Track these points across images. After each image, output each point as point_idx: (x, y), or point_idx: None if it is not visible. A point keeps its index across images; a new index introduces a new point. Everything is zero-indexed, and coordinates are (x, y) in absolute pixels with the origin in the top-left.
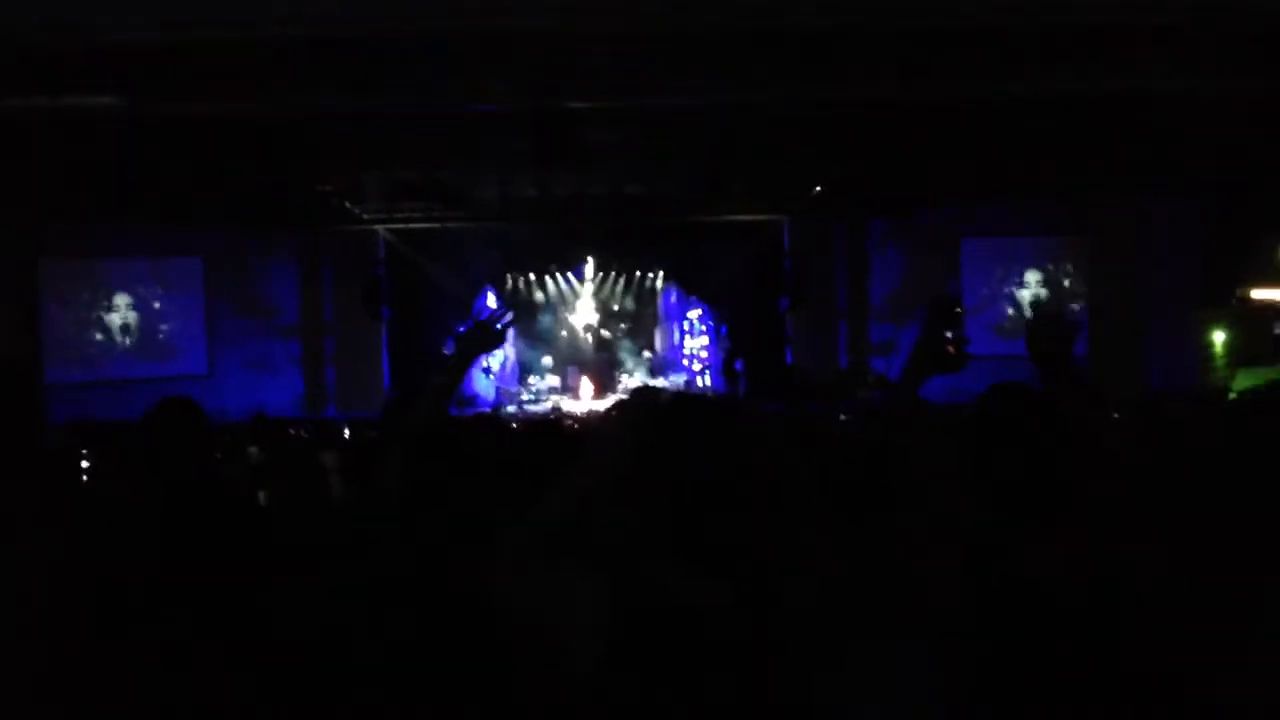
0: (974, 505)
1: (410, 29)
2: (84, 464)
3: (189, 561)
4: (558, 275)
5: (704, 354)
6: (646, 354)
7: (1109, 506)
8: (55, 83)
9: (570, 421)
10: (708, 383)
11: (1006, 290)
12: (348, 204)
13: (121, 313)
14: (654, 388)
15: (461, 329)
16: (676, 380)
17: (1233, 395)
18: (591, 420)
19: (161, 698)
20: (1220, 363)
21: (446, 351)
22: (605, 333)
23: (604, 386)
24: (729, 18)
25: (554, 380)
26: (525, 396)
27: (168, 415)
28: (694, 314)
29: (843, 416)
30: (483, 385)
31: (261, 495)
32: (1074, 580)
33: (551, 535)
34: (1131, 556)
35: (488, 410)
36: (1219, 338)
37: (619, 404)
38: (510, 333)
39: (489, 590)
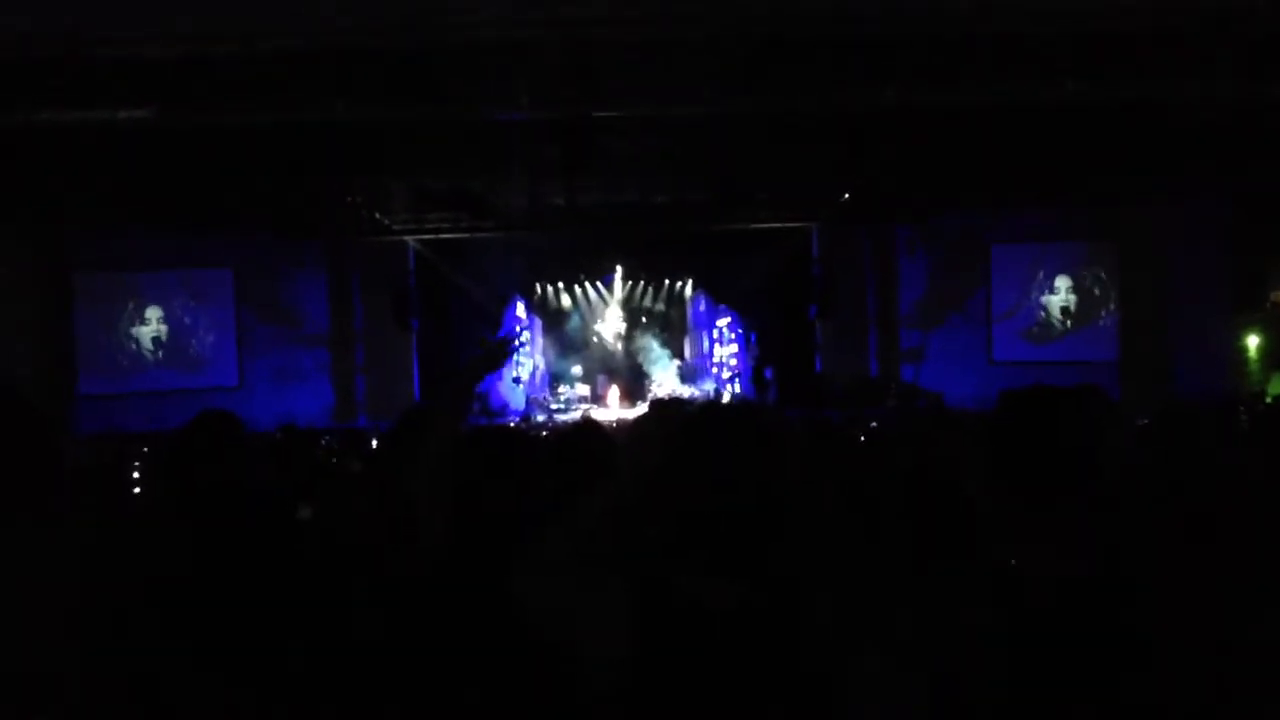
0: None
1: (438, 39)
2: (119, 475)
3: (222, 572)
4: (586, 284)
5: (733, 362)
6: (676, 362)
7: (1125, 508)
8: (84, 95)
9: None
10: (737, 390)
11: (1036, 296)
12: (376, 215)
13: (152, 325)
14: (681, 398)
15: (489, 337)
16: (706, 388)
17: (1269, 399)
18: (620, 429)
19: (192, 704)
20: (1254, 367)
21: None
22: (634, 341)
23: (633, 395)
24: (754, 25)
25: (584, 389)
26: (555, 405)
27: (205, 428)
28: (723, 322)
29: (872, 424)
30: (513, 395)
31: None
32: (1086, 582)
33: (579, 543)
34: (1148, 559)
35: (517, 420)
36: (1252, 342)
37: (647, 413)
38: (539, 342)
39: (517, 597)
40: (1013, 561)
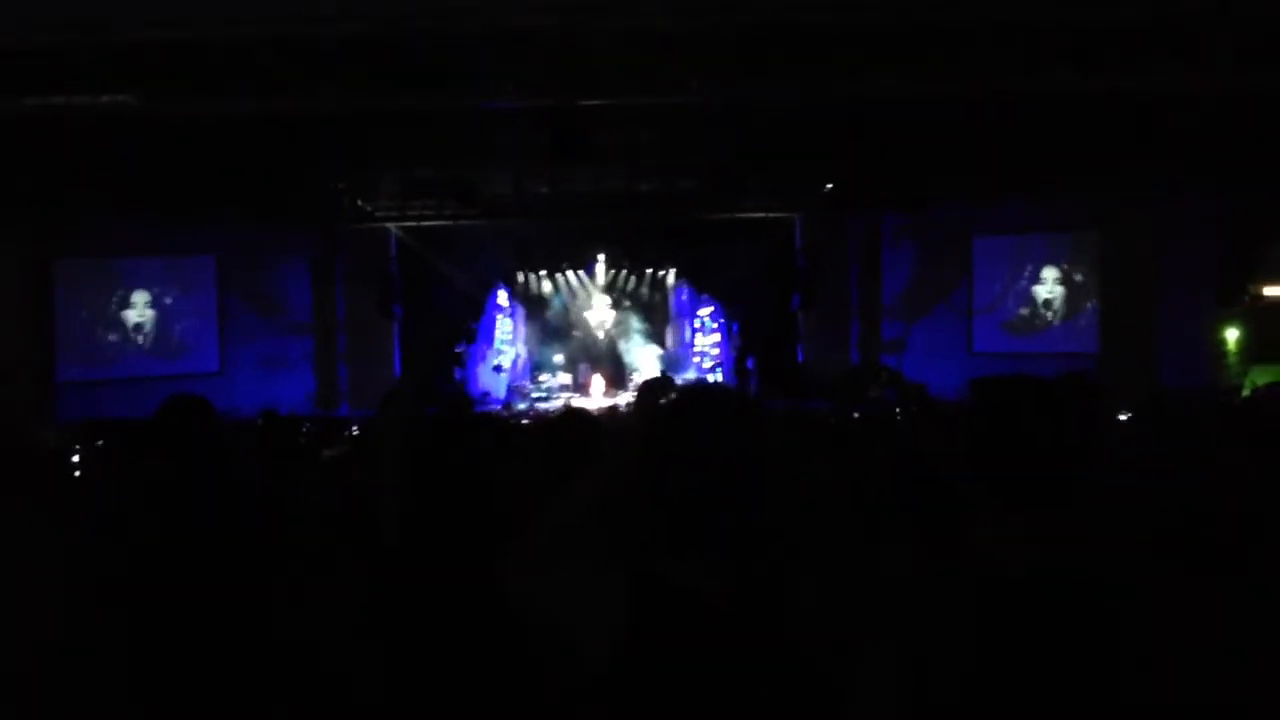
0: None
1: (423, 27)
2: (91, 461)
3: (193, 557)
4: (569, 272)
5: (715, 351)
6: (658, 350)
7: (1102, 500)
8: (69, 82)
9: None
10: (719, 379)
11: (1019, 287)
12: (360, 202)
13: (137, 310)
14: (667, 376)
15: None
16: (687, 377)
17: (1246, 393)
18: (604, 416)
19: (165, 691)
20: (1234, 360)
21: (458, 350)
22: (616, 329)
23: (615, 383)
24: (741, 15)
25: (566, 377)
26: (537, 394)
27: (176, 413)
28: (705, 311)
29: (855, 415)
30: (495, 383)
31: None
32: (1061, 576)
33: (567, 533)
34: (1122, 553)
35: (498, 408)
36: (1232, 335)
37: (634, 396)
38: (521, 330)
39: (504, 589)
40: (993, 553)
